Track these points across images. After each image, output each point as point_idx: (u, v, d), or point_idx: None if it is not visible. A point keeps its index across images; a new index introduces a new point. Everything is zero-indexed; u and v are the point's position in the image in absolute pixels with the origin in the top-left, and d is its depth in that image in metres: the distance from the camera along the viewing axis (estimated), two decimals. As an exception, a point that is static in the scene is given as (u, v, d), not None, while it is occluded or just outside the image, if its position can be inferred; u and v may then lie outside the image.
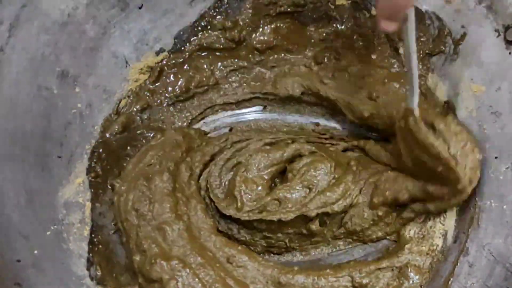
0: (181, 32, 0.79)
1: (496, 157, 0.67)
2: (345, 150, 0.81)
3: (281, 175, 0.80)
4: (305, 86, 0.82)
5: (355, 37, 0.80)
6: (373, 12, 0.76)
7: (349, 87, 0.78)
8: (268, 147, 0.80)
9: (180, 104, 0.83)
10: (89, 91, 0.72)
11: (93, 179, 0.73)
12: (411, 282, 0.69)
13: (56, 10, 0.66)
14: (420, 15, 0.72)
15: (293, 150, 0.78)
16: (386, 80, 0.77)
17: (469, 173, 0.63)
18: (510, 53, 0.65)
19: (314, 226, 0.73)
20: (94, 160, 0.73)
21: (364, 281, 0.69)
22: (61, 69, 0.68)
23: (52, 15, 0.65)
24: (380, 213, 0.73)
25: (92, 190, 0.72)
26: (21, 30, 0.63)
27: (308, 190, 0.75)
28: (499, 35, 0.66)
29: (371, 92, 0.77)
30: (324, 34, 0.82)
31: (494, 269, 0.63)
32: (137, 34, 0.76)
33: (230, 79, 0.85)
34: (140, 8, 0.74)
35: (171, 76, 0.81)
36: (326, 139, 0.83)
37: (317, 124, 0.85)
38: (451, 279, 0.65)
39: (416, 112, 0.64)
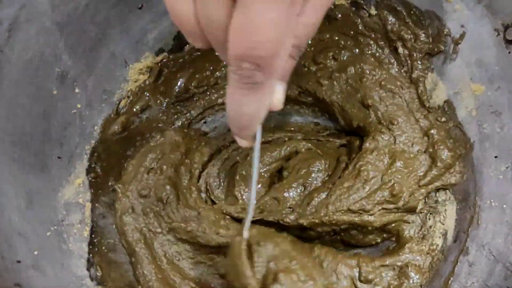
0: (181, 32, 0.79)
1: (495, 157, 0.67)
2: (342, 146, 0.81)
3: (280, 173, 0.80)
4: (302, 87, 0.82)
5: (354, 37, 0.80)
6: (373, 12, 0.76)
7: (345, 89, 0.79)
8: (265, 145, 0.80)
9: (180, 104, 0.83)
10: (89, 92, 0.72)
11: (93, 180, 0.73)
12: (411, 281, 0.69)
13: (55, 11, 0.65)
14: (419, 14, 0.72)
15: (290, 147, 0.78)
16: (383, 83, 0.77)
17: None
18: (509, 53, 0.65)
19: (313, 232, 0.74)
20: (94, 161, 0.73)
21: (370, 276, 0.69)
22: (60, 70, 0.68)
23: (51, 16, 0.65)
24: None
25: (92, 191, 0.72)
26: (20, 30, 0.63)
27: (303, 188, 0.75)
28: (498, 34, 0.66)
29: (366, 97, 0.77)
30: (323, 35, 0.82)
31: (494, 268, 0.63)
32: (137, 35, 0.76)
33: (229, 79, 0.85)
34: (140, 8, 0.74)
35: (171, 76, 0.81)
36: (323, 136, 0.83)
37: (317, 124, 0.85)
38: (451, 278, 0.65)
39: (243, 242, 0.61)
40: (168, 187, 0.74)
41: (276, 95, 0.51)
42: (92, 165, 0.73)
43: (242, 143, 0.56)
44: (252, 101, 0.47)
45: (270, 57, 0.41)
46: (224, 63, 0.77)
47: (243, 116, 0.49)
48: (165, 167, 0.76)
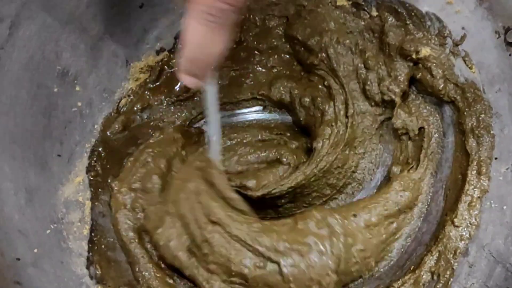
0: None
1: (496, 158, 0.67)
2: None
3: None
4: (294, 94, 0.83)
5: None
6: (374, 13, 0.76)
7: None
8: (260, 144, 0.81)
9: (181, 104, 0.83)
10: (90, 90, 0.72)
11: (93, 178, 0.72)
12: None
13: (56, 8, 0.65)
14: (420, 16, 0.72)
15: (275, 155, 0.80)
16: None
17: None
18: (510, 55, 0.66)
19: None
20: (94, 159, 0.73)
21: None
22: (61, 68, 0.68)
23: (52, 13, 0.65)
24: None
25: (92, 189, 0.72)
26: (21, 28, 0.62)
27: None
28: (499, 36, 0.66)
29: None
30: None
31: (494, 269, 0.63)
32: (138, 33, 0.76)
33: (230, 79, 0.85)
34: (140, 7, 0.74)
35: (171, 75, 0.81)
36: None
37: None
38: (451, 279, 0.65)
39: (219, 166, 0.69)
40: (155, 176, 0.74)
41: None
42: (92, 164, 0.73)
43: (192, 83, 0.56)
44: (220, 40, 0.48)
45: None
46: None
47: (208, 54, 0.50)
48: (159, 159, 0.76)
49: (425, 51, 0.71)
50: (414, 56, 0.72)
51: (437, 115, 0.75)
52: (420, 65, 0.72)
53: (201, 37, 0.48)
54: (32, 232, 0.62)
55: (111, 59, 0.74)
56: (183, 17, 0.47)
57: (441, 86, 0.71)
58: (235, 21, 0.48)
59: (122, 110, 0.77)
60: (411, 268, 0.69)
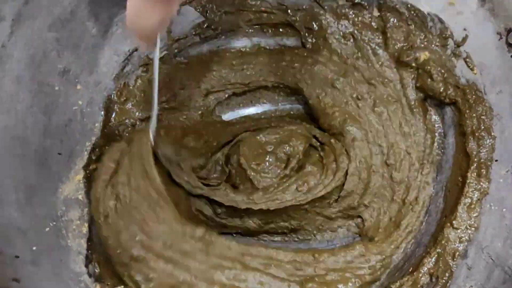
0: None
1: (496, 160, 0.67)
2: None
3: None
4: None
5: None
6: (375, 13, 0.76)
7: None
8: None
9: (182, 102, 0.82)
10: (90, 89, 0.72)
11: (92, 177, 0.73)
12: None
13: (58, 7, 0.66)
14: (422, 16, 0.72)
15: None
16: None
17: None
18: (511, 56, 0.65)
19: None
20: (94, 158, 0.73)
21: None
22: (62, 66, 0.68)
23: (54, 12, 0.65)
24: None
25: (92, 187, 0.72)
26: (23, 26, 0.63)
27: None
28: (500, 38, 0.66)
29: None
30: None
31: (493, 272, 0.63)
32: (139, 32, 0.76)
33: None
34: (142, 6, 0.74)
35: (172, 75, 0.81)
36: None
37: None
38: (450, 281, 0.65)
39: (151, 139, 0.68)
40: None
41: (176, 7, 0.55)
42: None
43: (143, 47, 0.60)
44: (158, 14, 0.50)
45: None
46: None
47: (145, 25, 0.51)
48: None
49: (424, 56, 0.71)
50: (414, 64, 0.72)
51: (437, 116, 0.75)
52: (420, 70, 0.73)
53: (137, 9, 0.49)
54: (31, 229, 0.62)
55: (112, 58, 0.74)
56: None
57: (442, 89, 0.71)
58: None
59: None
60: (410, 270, 0.69)
